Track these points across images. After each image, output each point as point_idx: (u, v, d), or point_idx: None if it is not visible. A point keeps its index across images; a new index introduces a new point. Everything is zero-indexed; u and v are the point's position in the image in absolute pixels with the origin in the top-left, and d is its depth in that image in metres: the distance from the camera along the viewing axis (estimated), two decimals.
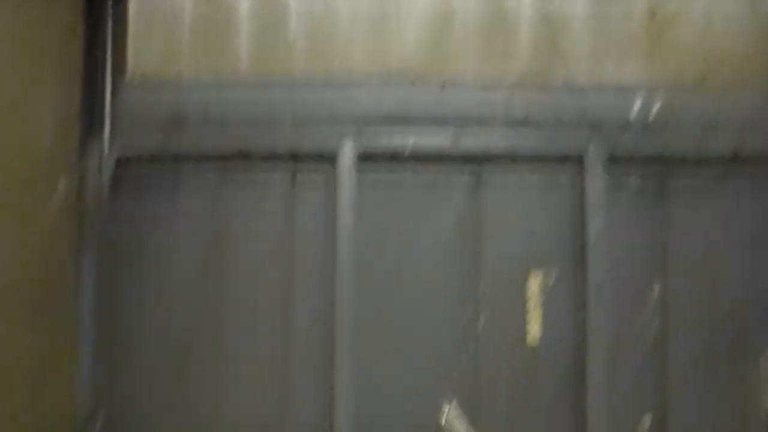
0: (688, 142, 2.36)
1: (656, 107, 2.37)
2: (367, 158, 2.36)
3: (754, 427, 2.34)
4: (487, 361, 2.36)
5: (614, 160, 2.35)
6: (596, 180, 2.33)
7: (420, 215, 2.40)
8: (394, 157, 2.39)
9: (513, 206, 2.39)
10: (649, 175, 2.39)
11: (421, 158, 2.39)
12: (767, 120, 2.38)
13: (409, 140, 2.38)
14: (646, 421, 2.34)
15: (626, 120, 2.36)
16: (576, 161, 2.36)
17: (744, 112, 2.38)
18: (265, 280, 2.40)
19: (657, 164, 2.38)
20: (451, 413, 2.35)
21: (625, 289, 2.34)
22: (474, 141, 2.38)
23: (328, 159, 2.37)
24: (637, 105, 2.37)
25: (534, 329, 2.35)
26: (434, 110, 2.38)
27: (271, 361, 2.39)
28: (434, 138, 2.38)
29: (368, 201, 2.37)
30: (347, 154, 2.35)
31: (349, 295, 2.33)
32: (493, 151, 2.38)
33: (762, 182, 2.41)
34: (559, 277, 2.36)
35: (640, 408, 2.34)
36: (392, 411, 2.37)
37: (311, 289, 2.38)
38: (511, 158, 2.39)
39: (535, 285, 2.36)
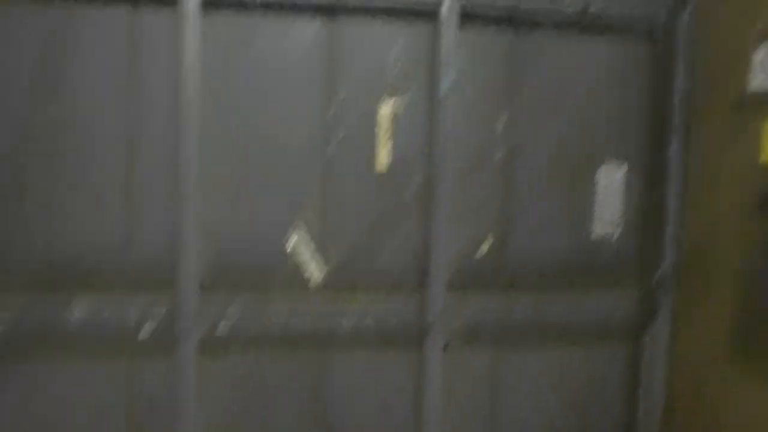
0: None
1: None
2: None
3: (583, 249, 2.60)
4: (335, 187, 2.41)
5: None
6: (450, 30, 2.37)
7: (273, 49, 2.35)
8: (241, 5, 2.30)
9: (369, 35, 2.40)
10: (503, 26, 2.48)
11: (273, 6, 2.31)
12: None
13: None
14: (489, 239, 2.53)
15: None
16: None
17: None
18: (108, 104, 2.26)
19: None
20: (298, 239, 2.42)
21: (474, 119, 2.47)
22: None
23: None
24: None
25: (383, 156, 2.43)
26: None
27: (114, 189, 2.28)
28: None
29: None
30: None
31: (194, 120, 2.23)
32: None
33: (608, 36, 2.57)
34: (411, 105, 2.42)
35: (485, 229, 2.52)
36: (239, 237, 2.37)
37: (156, 120, 2.27)
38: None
39: (386, 113, 2.41)
